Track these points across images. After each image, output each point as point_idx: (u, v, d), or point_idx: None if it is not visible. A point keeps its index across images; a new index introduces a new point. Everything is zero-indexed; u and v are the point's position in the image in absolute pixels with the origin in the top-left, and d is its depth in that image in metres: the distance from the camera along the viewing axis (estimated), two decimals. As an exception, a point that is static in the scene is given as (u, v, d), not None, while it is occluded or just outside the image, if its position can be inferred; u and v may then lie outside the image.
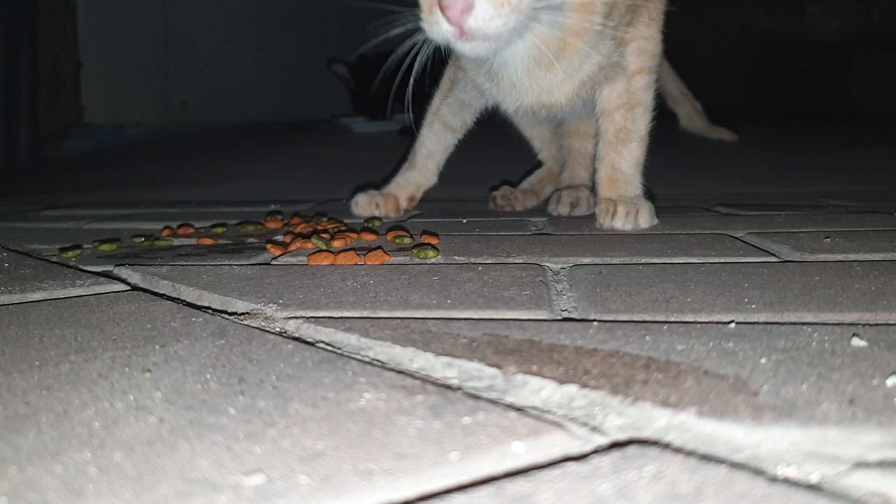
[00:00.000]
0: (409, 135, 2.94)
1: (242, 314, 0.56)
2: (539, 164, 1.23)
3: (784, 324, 0.49)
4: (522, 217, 1.05)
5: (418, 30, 0.77)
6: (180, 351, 0.46)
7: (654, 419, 0.35)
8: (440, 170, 1.10)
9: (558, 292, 0.60)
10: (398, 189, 1.10)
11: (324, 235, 0.84)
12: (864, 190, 1.40)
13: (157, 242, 0.90)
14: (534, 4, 0.71)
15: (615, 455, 0.31)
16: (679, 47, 1.18)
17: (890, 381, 0.38)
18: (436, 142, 1.08)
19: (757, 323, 0.50)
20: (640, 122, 0.93)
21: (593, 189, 1.01)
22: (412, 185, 1.09)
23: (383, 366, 0.43)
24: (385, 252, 0.75)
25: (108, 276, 0.70)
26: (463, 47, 0.72)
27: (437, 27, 0.70)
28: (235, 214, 1.14)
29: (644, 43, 0.92)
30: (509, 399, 0.38)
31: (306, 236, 0.85)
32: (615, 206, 0.90)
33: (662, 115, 0.99)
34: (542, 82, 0.86)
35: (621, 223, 0.89)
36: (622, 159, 0.93)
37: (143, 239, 0.91)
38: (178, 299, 0.61)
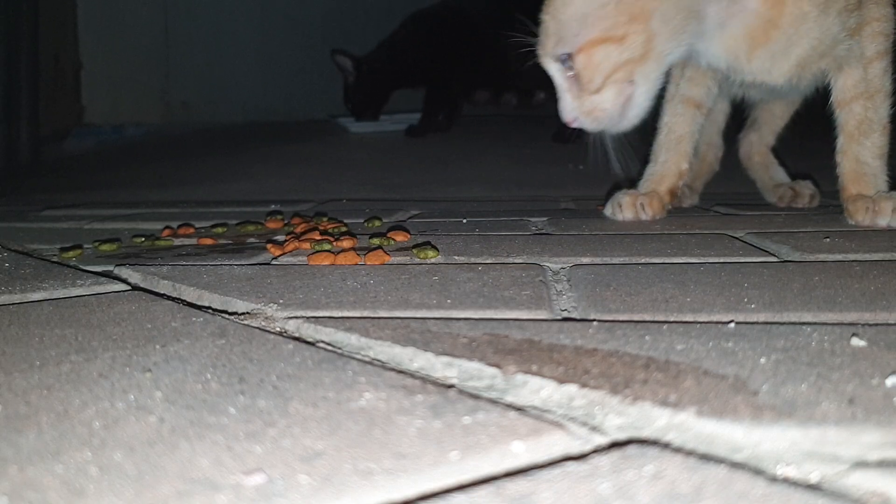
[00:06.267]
0: (416, 134, 2.96)
1: (243, 314, 0.56)
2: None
3: (783, 324, 0.49)
4: (522, 217, 1.05)
5: None
6: (181, 351, 0.46)
7: (654, 419, 0.35)
8: (692, 154, 1.04)
9: (558, 292, 0.60)
10: (655, 184, 1.02)
11: (327, 237, 0.84)
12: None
13: (157, 242, 0.90)
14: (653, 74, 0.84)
15: (615, 455, 0.31)
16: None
17: (889, 381, 0.38)
18: (682, 123, 1.02)
19: (756, 323, 0.50)
20: (882, 111, 0.90)
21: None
22: (670, 175, 1.02)
23: (383, 365, 0.43)
24: (385, 252, 0.75)
25: (108, 276, 0.70)
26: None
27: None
28: (236, 214, 1.14)
29: (877, 25, 0.89)
30: (509, 399, 0.38)
31: (306, 235, 0.85)
32: (877, 203, 0.87)
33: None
34: (757, 62, 0.89)
35: (887, 220, 0.86)
36: (866, 151, 0.90)
37: (143, 239, 0.91)
38: (179, 299, 0.61)
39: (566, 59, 0.83)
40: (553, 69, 0.86)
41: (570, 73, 0.83)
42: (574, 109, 0.85)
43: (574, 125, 0.86)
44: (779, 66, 0.88)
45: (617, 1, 0.80)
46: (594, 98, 0.83)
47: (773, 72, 0.89)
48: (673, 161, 1.03)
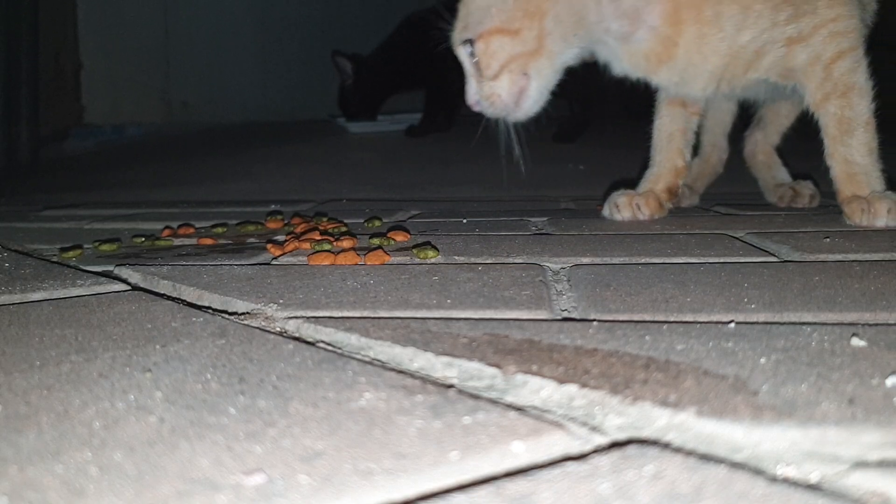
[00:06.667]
0: (416, 135, 2.99)
1: (243, 314, 0.56)
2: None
3: (784, 324, 0.49)
4: (522, 217, 1.05)
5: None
6: (181, 351, 0.46)
7: (654, 419, 0.35)
8: (688, 151, 1.05)
9: (558, 292, 0.60)
10: (652, 184, 1.03)
11: (327, 237, 0.84)
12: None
13: (157, 242, 0.90)
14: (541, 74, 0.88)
15: (615, 455, 0.31)
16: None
17: (889, 381, 0.38)
18: (670, 122, 1.04)
19: (756, 323, 0.50)
20: (860, 108, 0.89)
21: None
22: (666, 174, 1.03)
23: (383, 365, 0.43)
24: (385, 252, 0.75)
25: (108, 276, 0.70)
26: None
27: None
28: (236, 214, 1.14)
29: (833, 25, 0.88)
30: (509, 399, 0.38)
31: (306, 235, 0.84)
32: (871, 204, 0.86)
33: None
34: (664, 75, 0.92)
35: (884, 221, 0.86)
36: (853, 150, 0.89)
37: (143, 239, 0.91)
38: (179, 299, 0.61)
39: (470, 46, 0.89)
40: (461, 54, 0.91)
41: (475, 60, 0.89)
42: (476, 93, 0.91)
43: (476, 108, 0.92)
44: (693, 80, 0.91)
45: None
46: (492, 84, 0.89)
47: (689, 85, 0.92)
48: (667, 159, 1.04)
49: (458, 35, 0.92)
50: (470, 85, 0.92)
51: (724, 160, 1.21)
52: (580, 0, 0.87)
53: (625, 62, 0.93)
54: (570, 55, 0.90)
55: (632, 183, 1.06)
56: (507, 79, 0.88)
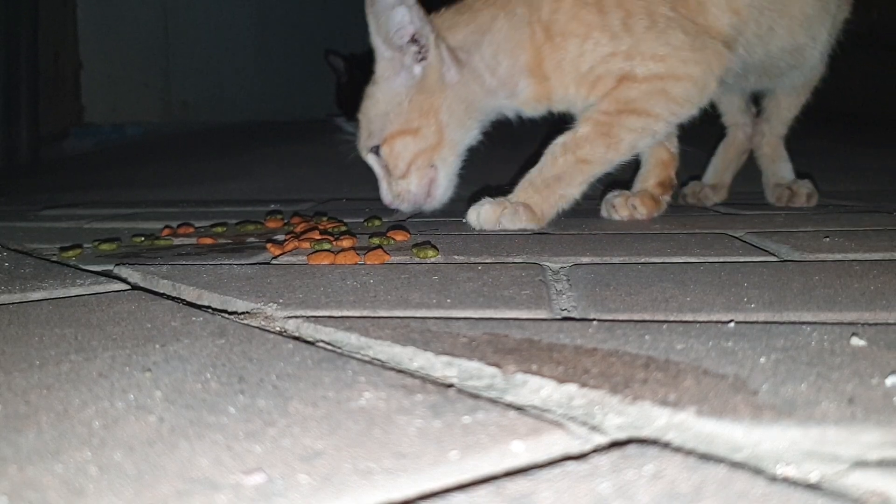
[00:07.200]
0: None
1: (242, 313, 0.56)
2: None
3: (783, 323, 0.49)
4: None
5: None
6: (180, 350, 0.46)
7: (654, 418, 0.35)
8: (672, 142, 1.06)
9: (558, 291, 0.60)
10: (643, 182, 1.06)
11: (327, 236, 0.84)
12: (863, 190, 1.40)
13: (157, 242, 0.90)
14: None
15: (615, 454, 0.31)
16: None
17: (889, 381, 0.38)
18: None
19: (756, 322, 0.50)
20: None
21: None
22: (654, 169, 1.06)
23: (383, 365, 0.43)
24: (385, 251, 0.75)
25: (108, 275, 0.70)
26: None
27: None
28: (235, 214, 1.14)
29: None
30: (509, 398, 0.38)
31: (306, 235, 0.84)
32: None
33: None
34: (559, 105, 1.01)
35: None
36: None
37: (143, 238, 0.91)
38: (179, 298, 0.61)
39: (376, 151, 0.98)
40: (370, 160, 1.00)
41: (383, 163, 0.98)
42: (388, 194, 1.00)
43: (392, 206, 1.01)
44: (574, 99, 0.97)
45: (410, 99, 0.94)
46: (402, 182, 0.98)
47: (574, 104, 0.98)
48: (651, 155, 1.06)
49: (363, 143, 1.00)
50: (382, 186, 1.00)
51: (750, 134, 1.22)
52: (465, 88, 0.95)
53: (526, 110, 1.00)
54: (471, 137, 0.99)
55: (625, 184, 1.07)
56: (415, 175, 0.97)
